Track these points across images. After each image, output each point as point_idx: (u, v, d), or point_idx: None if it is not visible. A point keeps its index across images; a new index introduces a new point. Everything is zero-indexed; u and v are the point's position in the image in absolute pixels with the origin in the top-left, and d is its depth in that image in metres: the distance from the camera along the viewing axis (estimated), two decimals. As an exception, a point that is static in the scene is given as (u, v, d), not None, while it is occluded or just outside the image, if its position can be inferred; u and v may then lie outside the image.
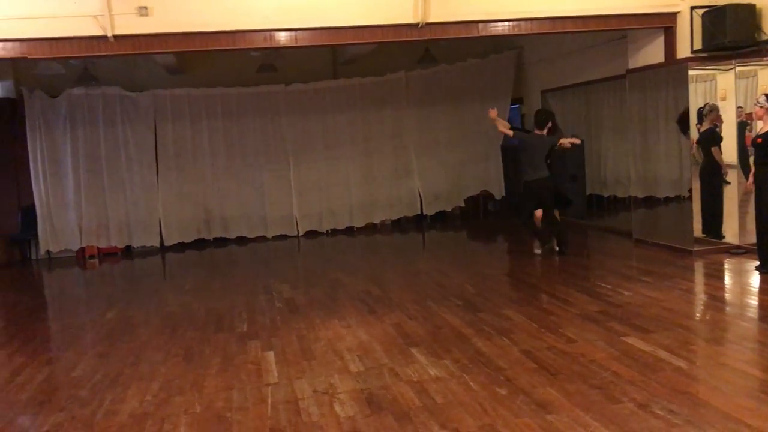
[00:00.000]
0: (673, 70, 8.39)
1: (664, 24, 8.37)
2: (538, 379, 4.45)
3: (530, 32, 8.24)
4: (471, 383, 4.46)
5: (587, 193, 11.70)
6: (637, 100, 9.18)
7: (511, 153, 12.58)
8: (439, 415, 4.00)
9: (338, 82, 12.36)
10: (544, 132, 8.72)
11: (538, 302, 6.45)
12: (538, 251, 9.12)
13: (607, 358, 4.74)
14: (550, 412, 3.92)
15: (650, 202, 9.60)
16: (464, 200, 13.07)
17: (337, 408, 4.21)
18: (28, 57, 7.21)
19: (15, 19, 6.90)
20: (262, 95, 12.08)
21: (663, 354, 4.75)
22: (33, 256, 11.76)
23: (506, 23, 7.89)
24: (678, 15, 8.30)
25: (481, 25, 7.85)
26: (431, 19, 7.59)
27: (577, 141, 9.02)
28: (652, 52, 8.74)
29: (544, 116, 8.86)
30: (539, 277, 7.79)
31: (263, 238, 12.25)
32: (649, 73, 8.88)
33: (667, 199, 9.30)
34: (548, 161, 8.77)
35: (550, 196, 8.82)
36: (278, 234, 12.30)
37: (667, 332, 5.23)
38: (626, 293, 6.54)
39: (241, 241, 12.17)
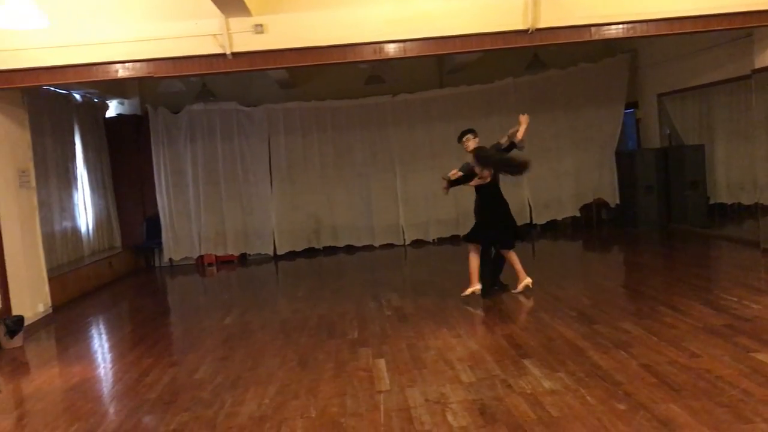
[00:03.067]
0: (806, 68, 7.84)
1: (795, 20, 7.82)
2: (659, 395, 4.25)
3: (646, 34, 7.89)
4: (588, 397, 4.32)
5: (709, 201, 11.14)
6: (764, 101, 8.62)
7: (627, 159, 12.13)
8: (556, 429, 3.90)
9: (444, 91, 12.38)
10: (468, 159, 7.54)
11: (658, 315, 6.16)
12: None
13: (736, 375, 4.47)
14: (673, 430, 3.74)
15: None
16: (580, 209, 12.71)
17: (450, 418, 4.19)
18: (154, 76, 7.65)
19: (142, 41, 7.33)
20: (369, 107, 12.28)
21: (799, 372, 4.43)
22: (156, 264, 12.47)
23: (621, 26, 7.61)
24: (810, 9, 7.73)
25: (593, 29, 7.61)
26: (541, 25, 7.43)
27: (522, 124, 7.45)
28: (781, 50, 8.20)
29: (460, 136, 7.65)
30: (658, 288, 7.43)
31: (370, 247, 12.41)
32: (778, 73, 8.34)
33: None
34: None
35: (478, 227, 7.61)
36: (385, 243, 12.43)
37: (804, 349, 4.87)
38: (755, 306, 6.14)
39: (349, 249, 12.38)
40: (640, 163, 11.70)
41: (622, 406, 4.13)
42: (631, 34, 7.75)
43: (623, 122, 12.58)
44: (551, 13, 7.42)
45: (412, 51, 7.57)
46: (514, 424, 4.01)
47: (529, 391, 4.51)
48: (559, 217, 12.69)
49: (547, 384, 4.62)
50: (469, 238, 7.68)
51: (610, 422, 3.92)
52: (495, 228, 7.54)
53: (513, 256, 7.62)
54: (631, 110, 12.77)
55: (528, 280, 7.57)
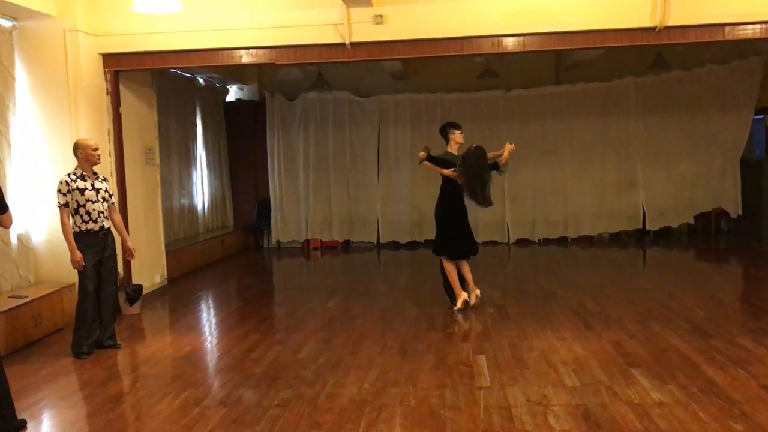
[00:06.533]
0: None
1: None
2: (782, 419, 3.98)
3: (786, 35, 7.38)
4: (700, 413, 4.11)
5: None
6: None
7: (754, 168, 11.42)
8: (664, 443, 3.73)
9: (560, 87, 12.09)
10: (448, 148, 7.16)
11: (781, 334, 5.77)
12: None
13: None
14: (797, 458, 3.50)
15: None
16: (694, 217, 12.12)
17: (552, 420, 4.10)
18: (276, 63, 7.89)
19: (265, 28, 7.58)
20: (481, 101, 12.17)
21: None
22: (265, 245, 12.90)
23: (758, 26, 7.14)
24: None
25: (727, 29, 7.19)
26: (671, 23, 7.10)
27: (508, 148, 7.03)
28: None
29: (441, 130, 7.34)
30: (781, 306, 6.97)
31: (473, 243, 12.28)
32: None
33: None
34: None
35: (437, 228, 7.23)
36: (488, 240, 12.29)
37: None
38: None
39: (453, 244, 12.31)
40: (768, 172, 10.99)
41: (738, 427, 3.90)
42: (769, 34, 7.26)
43: (751, 129, 11.84)
44: (682, 11, 7.10)
45: (532, 45, 7.43)
46: (620, 432, 3.88)
47: (636, 401, 4.34)
48: (675, 225, 12.14)
49: (656, 395, 4.43)
50: (437, 251, 7.22)
51: (724, 442, 3.72)
52: (457, 234, 7.10)
53: (465, 267, 7.21)
54: (761, 116, 11.99)
55: (465, 296, 7.10)
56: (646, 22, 7.17)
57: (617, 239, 12.20)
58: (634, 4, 7.19)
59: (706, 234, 12.14)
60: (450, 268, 7.13)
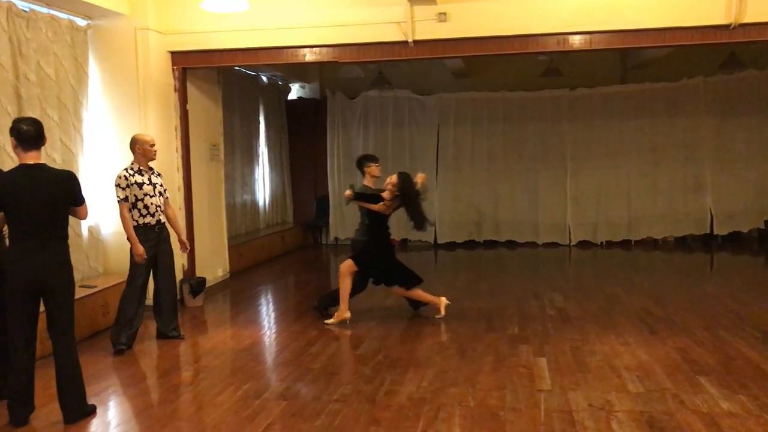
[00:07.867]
0: None
1: None
2: None
3: None
4: (774, 426, 3.95)
5: None
6: None
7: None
8: (734, 455, 3.60)
9: (627, 87, 11.82)
10: (364, 182, 7.00)
11: None
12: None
13: None
14: None
15: None
16: (765, 222, 11.67)
17: (615, 426, 4.00)
18: (339, 61, 7.93)
19: (329, 26, 7.63)
20: (544, 100, 11.99)
21: None
22: (323, 241, 13.01)
23: (843, 22, 6.83)
24: None
25: (808, 25, 6.89)
26: (746, 20, 6.83)
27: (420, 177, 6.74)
28: None
29: (357, 163, 7.27)
30: None
31: (533, 244, 12.14)
32: None
33: None
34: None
35: (367, 263, 6.77)
36: (549, 241, 12.12)
37: None
38: None
39: (511, 245, 12.19)
40: None
41: (814, 441, 3.73)
42: None
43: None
44: (759, 6, 6.83)
45: (599, 43, 7.26)
46: (687, 442, 3.76)
47: (704, 410, 4.20)
48: (745, 229, 11.72)
49: (725, 405, 4.28)
50: (383, 280, 6.90)
51: (799, 456, 3.56)
52: (398, 264, 6.87)
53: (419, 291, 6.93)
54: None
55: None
56: (719, 19, 6.92)
57: (683, 243, 11.84)
58: (708, 1, 6.95)
59: (778, 239, 11.70)
60: (348, 284, 6.72)
